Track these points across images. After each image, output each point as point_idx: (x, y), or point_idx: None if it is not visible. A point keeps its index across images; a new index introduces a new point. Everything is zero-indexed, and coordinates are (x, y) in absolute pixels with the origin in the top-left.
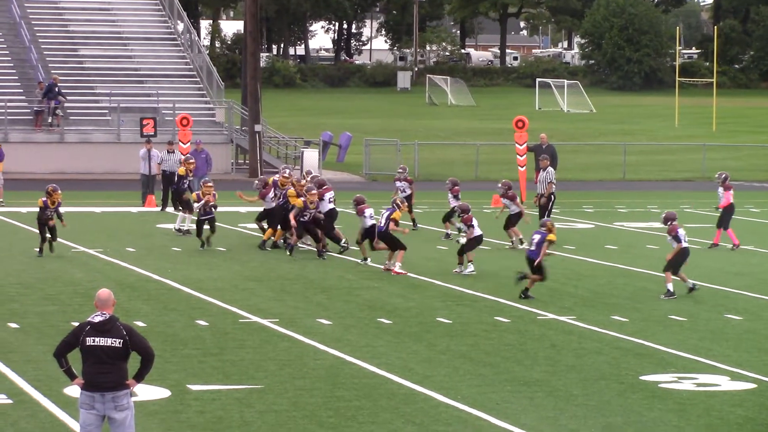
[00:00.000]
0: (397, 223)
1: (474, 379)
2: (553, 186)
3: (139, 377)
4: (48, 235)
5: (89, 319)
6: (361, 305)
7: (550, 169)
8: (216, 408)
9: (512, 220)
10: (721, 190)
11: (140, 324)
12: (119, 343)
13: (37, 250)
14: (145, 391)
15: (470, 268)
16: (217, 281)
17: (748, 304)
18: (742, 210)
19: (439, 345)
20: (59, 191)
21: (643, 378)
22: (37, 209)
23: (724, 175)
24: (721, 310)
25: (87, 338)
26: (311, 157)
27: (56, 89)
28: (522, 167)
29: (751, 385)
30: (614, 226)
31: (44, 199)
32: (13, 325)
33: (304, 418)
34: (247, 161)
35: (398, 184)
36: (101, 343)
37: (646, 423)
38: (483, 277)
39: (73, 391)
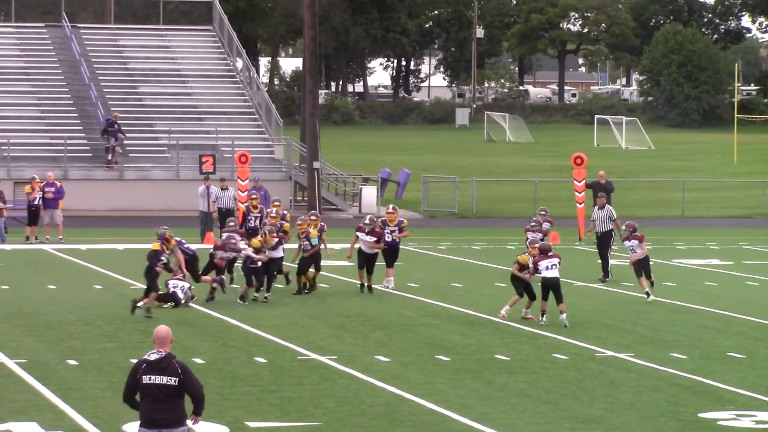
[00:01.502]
0: (521, 268)
1: (532, 417)
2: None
3: (198, 414)
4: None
5: (146, 356)
6: (419, 342)
7: (609, 206)
8: None
9: (638, 267)
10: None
11: (198, 361)
12: (175, 381)
13: (147, 312)
14: (204, 428)
15: (562, 316)
16: (276, 318)
17: None
18: None
19: (498, 382)
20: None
21: (701, 415)
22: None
23: None
24: None
25: (144, 376)
26: (370, 194)
27: (116, 126)
28: (580, 204)
29: None
30: (672, 263)
31: (160, 243)
32: (73, 362)
33: None
34: (305, 198)
35: (545, 225)
36: (157, 381)
37: None
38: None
39: (132, 428)
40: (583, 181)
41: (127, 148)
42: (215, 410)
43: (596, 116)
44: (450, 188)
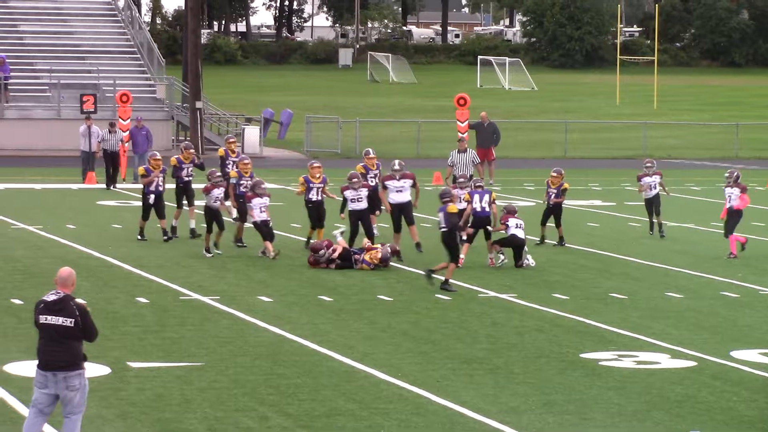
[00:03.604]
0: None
1: (415, 357)
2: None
3: None
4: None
5: (44, 297)
6: (302, 283)
7: (472, 150)
8: (156, 385)
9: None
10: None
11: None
12: (71, 322)
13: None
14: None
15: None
16: (159, 258)
17: (688, 282)
18: (683, 188)
19: (380, 323)
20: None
21: (583, 356)
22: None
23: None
24: (661, 288)
25: (40, 316)
26: (252, 134)
27: None
28: None
29: (691, 363)
30: None
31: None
32: None
33: (244, 395)
34: (188, 138)
35: (647, 180)
36: (53, 322)
37: (586, 401)
38: (423, 255)
39: (13, 368)
40: (466, 122)
41: (8, 87)
42: (97, 350)
43: (479, 57)
44: (333, 129)
